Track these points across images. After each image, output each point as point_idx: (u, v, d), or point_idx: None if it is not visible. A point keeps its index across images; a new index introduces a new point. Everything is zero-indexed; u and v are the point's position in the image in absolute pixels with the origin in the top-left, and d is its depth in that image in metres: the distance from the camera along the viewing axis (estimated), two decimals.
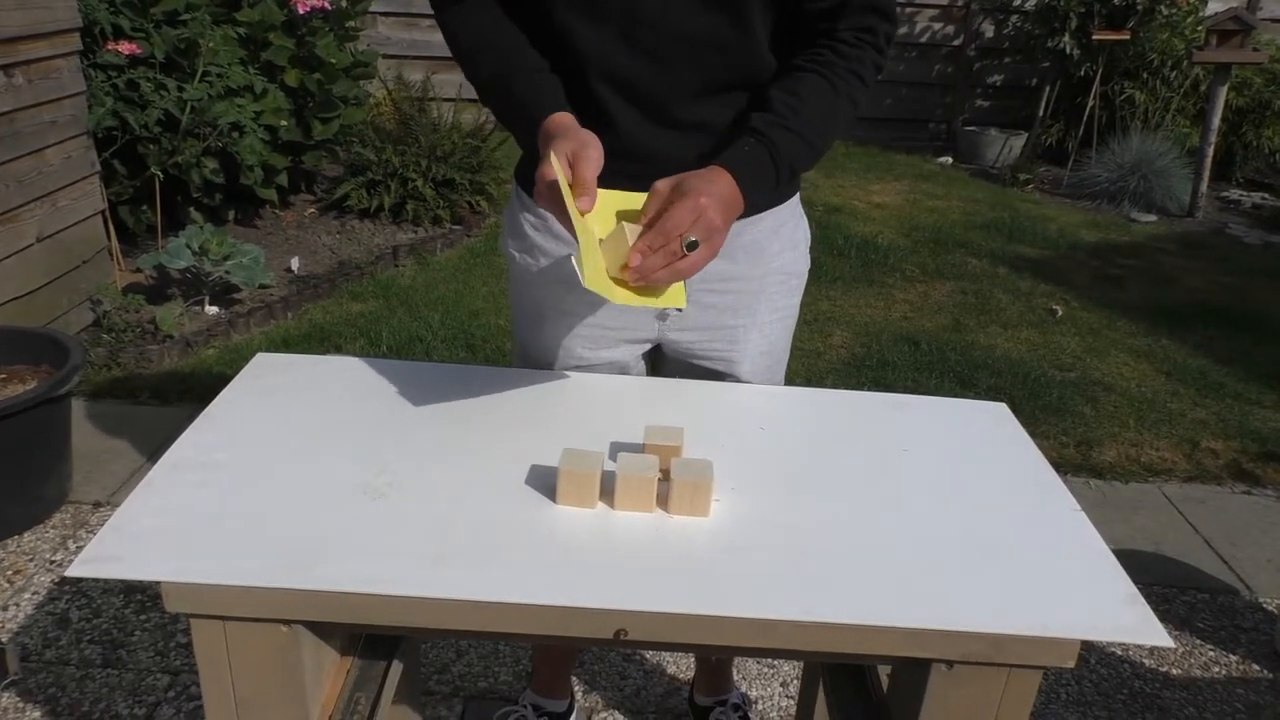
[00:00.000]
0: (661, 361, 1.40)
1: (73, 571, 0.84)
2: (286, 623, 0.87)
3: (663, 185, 1.03)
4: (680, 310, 1.15)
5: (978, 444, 1.15)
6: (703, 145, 1.17)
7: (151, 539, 0.88)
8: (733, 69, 1.16)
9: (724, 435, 1.13)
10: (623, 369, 1.35)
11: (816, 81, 1.14)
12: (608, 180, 1.13)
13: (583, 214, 1.02)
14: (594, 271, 0.99)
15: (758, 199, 1.11)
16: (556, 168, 1.01)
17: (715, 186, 1.03)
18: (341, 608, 0.85)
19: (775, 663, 1.96)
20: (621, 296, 1.02)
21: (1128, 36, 5.77)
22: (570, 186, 1.02)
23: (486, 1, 1.19)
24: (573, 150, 1.03)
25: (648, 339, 1.34)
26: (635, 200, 1.06)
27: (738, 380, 1.34)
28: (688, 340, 1.33)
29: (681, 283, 1.06)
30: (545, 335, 1.33)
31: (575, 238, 1.02)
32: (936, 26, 6.82)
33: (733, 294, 1.29)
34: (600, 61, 1.15)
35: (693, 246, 1.00)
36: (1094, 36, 5.76)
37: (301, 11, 3.97)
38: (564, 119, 1.11)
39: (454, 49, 1.21)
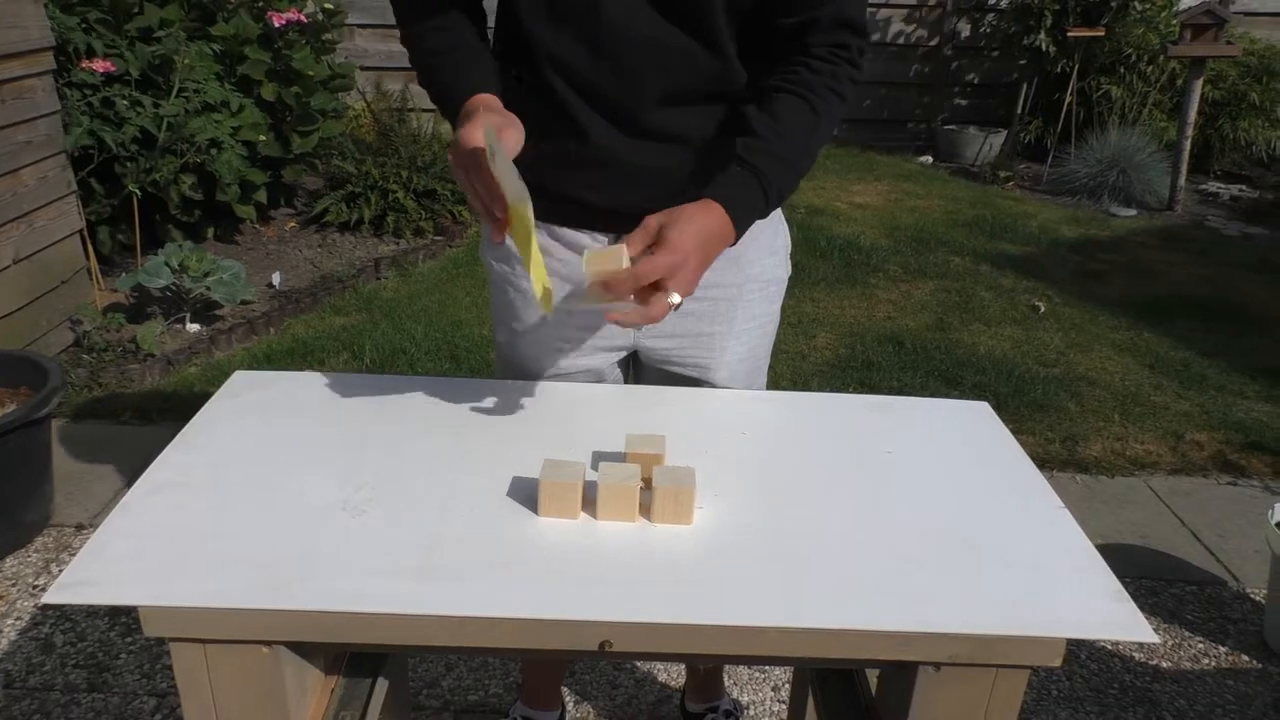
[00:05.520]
0: (639, 369, 1.39)
1: (48, 598, 0.83)
2: (267, 644, 0.86)
3: (653, 221, 1.02)
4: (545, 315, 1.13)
5: (960, 444, 1.15)
6: (675, 156, 1.17)
7: (128, 563, 0.87)
8: (699, 79, 1.15)
9: (706, 442, 1.12)
10: (599, 376, 1.34)
11: (795, 103, 1.13)
12: (583, 189, 1.13)
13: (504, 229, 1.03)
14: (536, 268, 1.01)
15: (749, 226, 1.11)
16: (476, 140, 1.01)
17: (701, 232, 1.02)
18: (322, 627, 0.84)
19: (766, 668, 1.96)
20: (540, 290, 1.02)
21: (1102, 33, 5.81)
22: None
23: (449, 9, 1.19)
24: (496, 125, 1.02)
25: (624, 346, 1.33)
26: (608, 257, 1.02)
27: (715, 387, 1.34)
28: (664, 347, 1.32)
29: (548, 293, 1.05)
30: (523, 343, 1.33)
31: (488, 213, 1.04)
32: (912, 27, 6.85)
33: (710, 301, 1.29)
34: (567, 70, 1.15)
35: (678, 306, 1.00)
36: (1069, 33, 5.80)
37: (277, 25, 3.96)
38: (489, 99, 1.11)
39: (403, 35, 1.22)
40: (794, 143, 1.13)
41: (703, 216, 1.04)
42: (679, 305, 1.00)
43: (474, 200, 1.06)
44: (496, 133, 1.00)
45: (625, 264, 0.98)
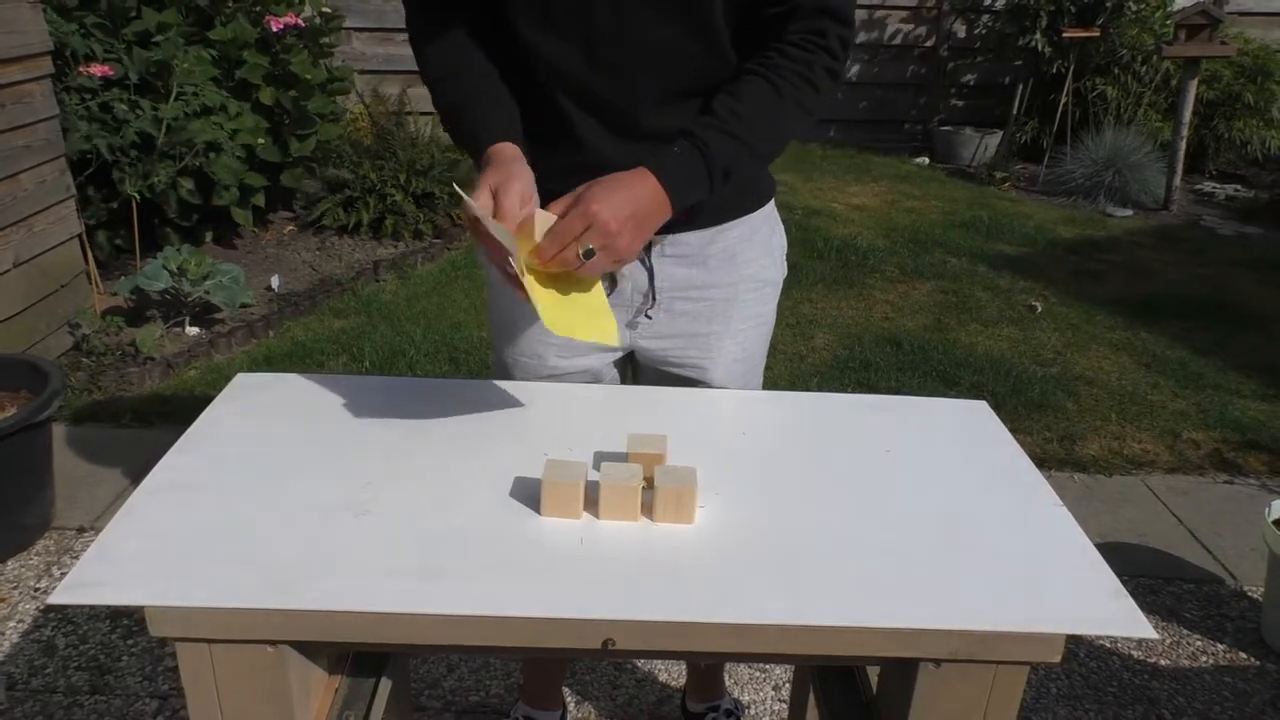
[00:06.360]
0: (637, 369, 1.40)
1: (55, 599, 0.84)
2: (272, 643, 0.86)
3: (582, 187, 1.06)
4: (614, 345, 1.16)
5: (959, 443, 1.16)
6: None
7: (134, 563, 0.87)
8: (696, 77, 1.16)
9: (707, 441, 1.13)
10: (596, 376, 1.35)
11: (758, 84, 1.13)
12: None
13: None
14: (546, 308, 1.03)
15: (691, 200, 1.12)
16: (478, 203, 1.04)
17: (621, 191, 1.05)
18: (326, 627, 0.84)
19: (767, 667, 1.97)
20: (561, 327, 1.04)
21: (1097, 34, 5.83)
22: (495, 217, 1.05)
23: (458, 28, 1.19)
24: (497, 182, 1.05)
25: (620, 347, 1.34)
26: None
27: (711, 387, 1.34)
28: (660, 347, 1.33)
29: (613, 319, 1.09)
30: (519, 344, 1.34)
31: (507, 272, 1.05)
32: (909, 27, 6.86)
33: (705, 301, 1.30)
34: (563, 76, 1.16)
35: (589, 254, 1.02)
36: (1064, 34, 5.81)
37: (275, 29, 3.96)
38: (501, 150, 1.12)
39: (423, 77, 1.23)
40: (750, 121, 1.12)
41: (633, 182, 1.06)
42: (592, 254, 1.02)
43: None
44: (500, 188, 1.04)
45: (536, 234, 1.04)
